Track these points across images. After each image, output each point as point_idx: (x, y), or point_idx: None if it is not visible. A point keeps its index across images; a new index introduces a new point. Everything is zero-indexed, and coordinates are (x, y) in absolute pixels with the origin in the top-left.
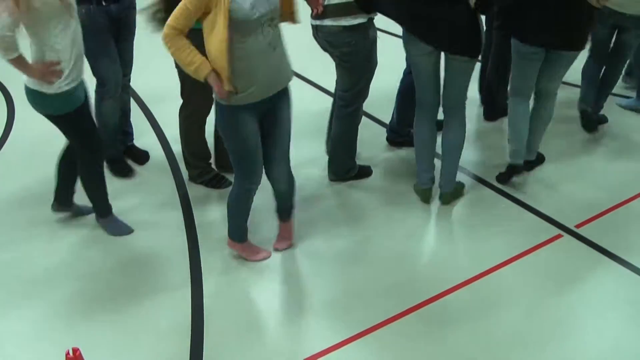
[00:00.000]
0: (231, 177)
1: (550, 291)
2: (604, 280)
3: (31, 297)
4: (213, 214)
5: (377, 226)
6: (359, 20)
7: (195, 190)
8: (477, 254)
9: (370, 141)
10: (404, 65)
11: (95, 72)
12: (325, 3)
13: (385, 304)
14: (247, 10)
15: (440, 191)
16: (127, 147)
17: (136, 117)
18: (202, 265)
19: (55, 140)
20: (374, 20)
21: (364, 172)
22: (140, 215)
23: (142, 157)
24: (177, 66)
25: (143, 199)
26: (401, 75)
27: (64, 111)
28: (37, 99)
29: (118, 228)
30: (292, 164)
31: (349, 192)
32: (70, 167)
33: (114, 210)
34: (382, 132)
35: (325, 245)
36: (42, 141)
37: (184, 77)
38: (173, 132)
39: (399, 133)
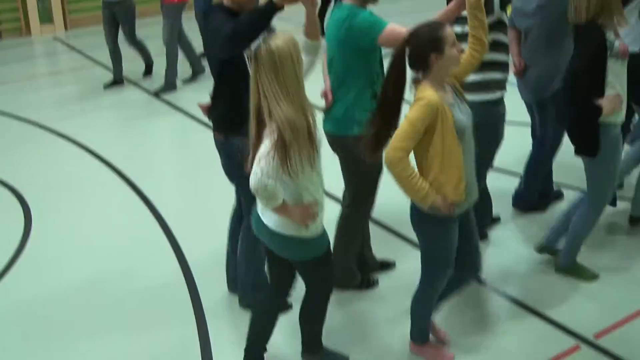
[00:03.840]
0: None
1: None
2: None
3: None
4: None
5: None
6: (490, 96)
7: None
8: None
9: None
10: None
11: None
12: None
13: None
14: (463, 118)
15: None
16: None
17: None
18: None
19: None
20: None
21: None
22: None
23: None
24: (348, 169)
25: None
26: None
27: (316, 254)
28: (292, 245)
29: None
30: None
31: None
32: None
33: None
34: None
35: None
36: (59, 254)
37: (355, 178)
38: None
39: (527, 201)
